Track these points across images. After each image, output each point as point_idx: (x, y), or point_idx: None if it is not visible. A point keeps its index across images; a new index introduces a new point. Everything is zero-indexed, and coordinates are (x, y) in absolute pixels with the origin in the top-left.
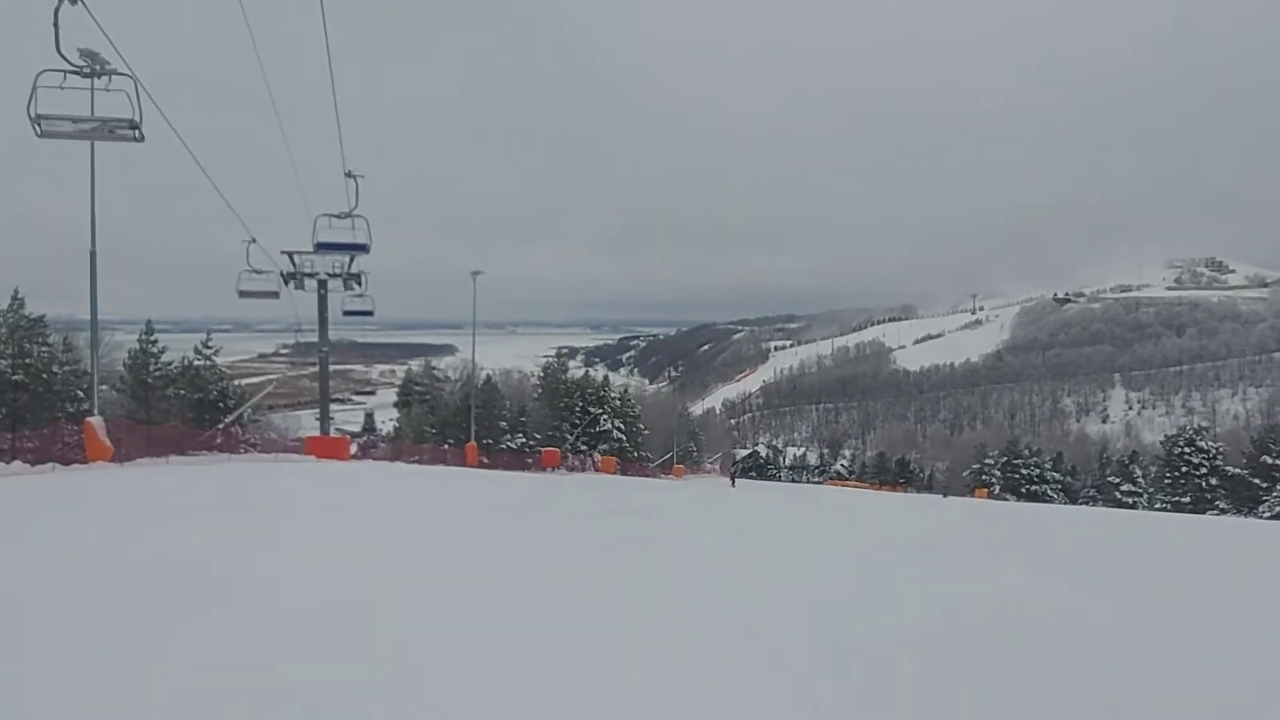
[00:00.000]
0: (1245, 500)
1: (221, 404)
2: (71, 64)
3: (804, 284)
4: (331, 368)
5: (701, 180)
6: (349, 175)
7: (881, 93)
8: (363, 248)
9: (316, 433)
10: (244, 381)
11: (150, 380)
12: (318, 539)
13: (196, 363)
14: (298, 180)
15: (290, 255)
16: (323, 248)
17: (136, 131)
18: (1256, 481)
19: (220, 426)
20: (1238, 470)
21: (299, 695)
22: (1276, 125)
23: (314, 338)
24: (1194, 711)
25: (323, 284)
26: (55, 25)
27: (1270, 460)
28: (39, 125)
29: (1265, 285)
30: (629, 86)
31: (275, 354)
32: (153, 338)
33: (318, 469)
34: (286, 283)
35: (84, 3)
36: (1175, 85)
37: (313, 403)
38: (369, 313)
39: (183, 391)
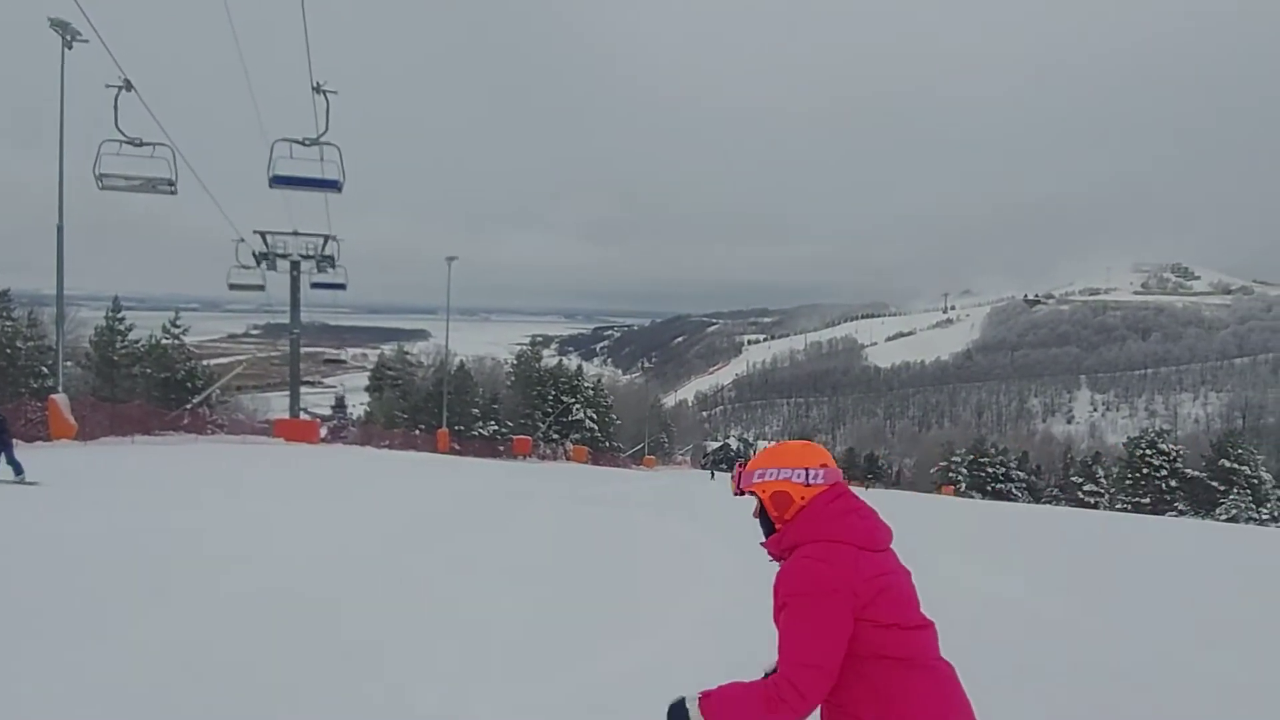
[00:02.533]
0: (1203, 503)
1: (189, 384)
2: (126, 137)
3: (779, 278)
4: (302, 350)
5: (682, 171)
6: (317, 90)
7: (864, 89)
8: (333, 184)
9: (286, 415)
10: (212, 362)
11: (116, 358)
12: (287, 526)
13: (164, 341)
14: (265, 139)
15: (263, 235)
16: (281, 182)
17: (173, 188)
18: (1214, 484)
19: (188, 407)
20: (1196, 473)
21: (270, 680)
22: (1248, 136)
23: (285, 320)
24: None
25: (295, 265)
26: (115, 107)
27: (1228, 464)
28: (101, 181)
29: (1229, 292)
30: (614, 73)
31: (245, 334)
32: (119, 315)
33: (286, 452)
34: (259, 263)
35: (137, 92)
36: (1155, 91)
37: (283, 385)
38: (341, 285)
39: (149, 370)
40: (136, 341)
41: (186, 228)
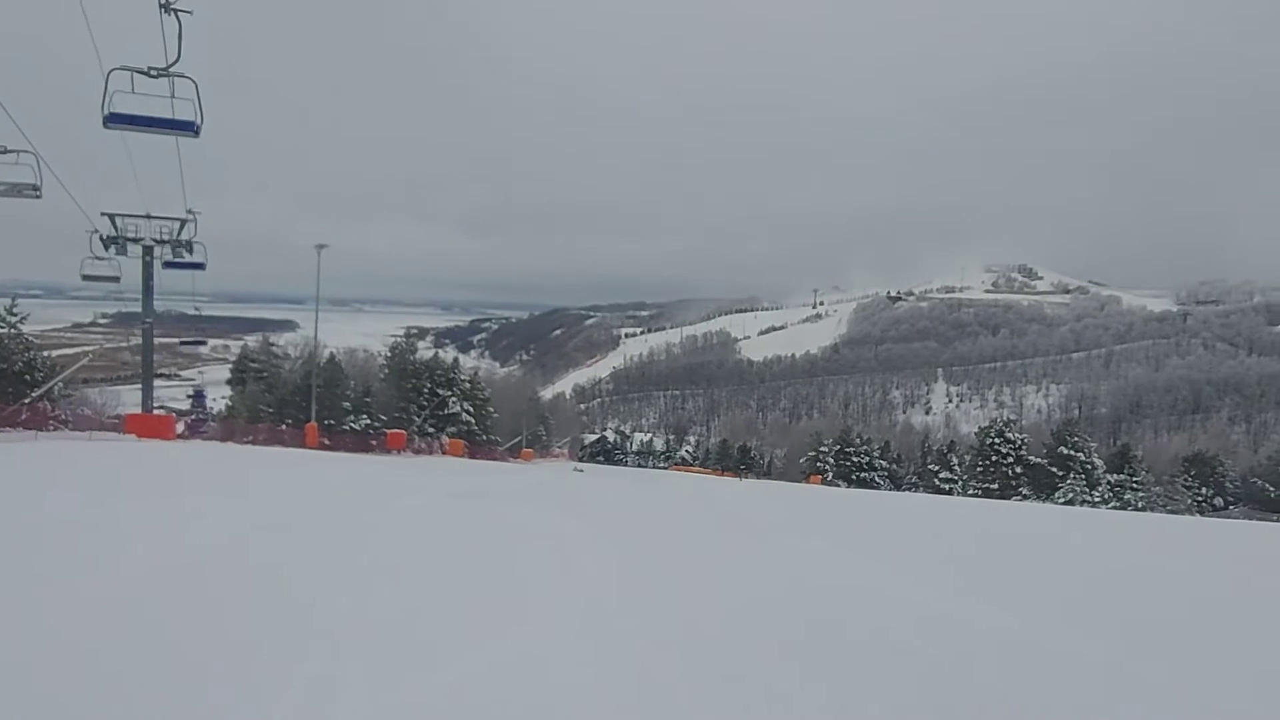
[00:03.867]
0: (1044, 487)
1: (28, 376)
2: None
3: (657, 273)
4: (157, 340)
5: (562, 165)
6: (165, 8)
7: (744, 96)
8: (187, 126)
9: (138, 409)
10: (56, 353)
11: None
12: (132, 527)
13: None
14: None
15: (111, 218)
16: (120, 121)
17: (38, 192)
18: (1054, 470)
19: (26, 401)
20: (1038, 460)
21: (112, 693)
22: (1085, 151)
23: (138, 308)
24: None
25: (148, 250)
26: None
27: (1066, 451)
28: None
29: (1068, 292)
30: (495, 65)
31: (93, 324)
32: None
33: (139, 449)
34: (107, 248)
35: (4, 106)
36: (1003, 113)
37: (135, 378)
38: (200, 265)
39: None
40: None
41: (27, 210)
